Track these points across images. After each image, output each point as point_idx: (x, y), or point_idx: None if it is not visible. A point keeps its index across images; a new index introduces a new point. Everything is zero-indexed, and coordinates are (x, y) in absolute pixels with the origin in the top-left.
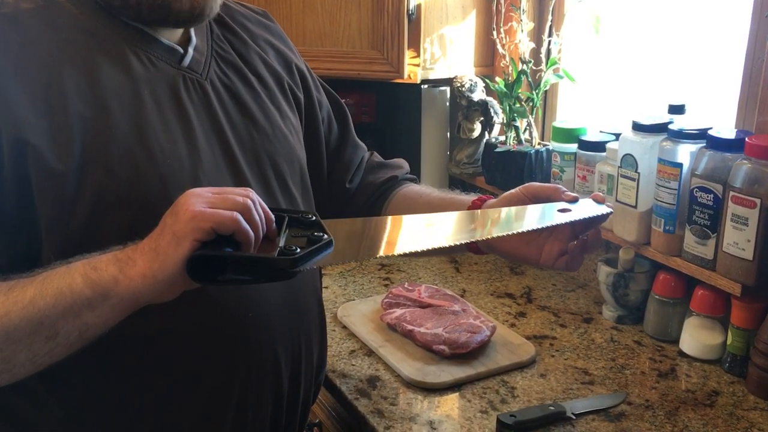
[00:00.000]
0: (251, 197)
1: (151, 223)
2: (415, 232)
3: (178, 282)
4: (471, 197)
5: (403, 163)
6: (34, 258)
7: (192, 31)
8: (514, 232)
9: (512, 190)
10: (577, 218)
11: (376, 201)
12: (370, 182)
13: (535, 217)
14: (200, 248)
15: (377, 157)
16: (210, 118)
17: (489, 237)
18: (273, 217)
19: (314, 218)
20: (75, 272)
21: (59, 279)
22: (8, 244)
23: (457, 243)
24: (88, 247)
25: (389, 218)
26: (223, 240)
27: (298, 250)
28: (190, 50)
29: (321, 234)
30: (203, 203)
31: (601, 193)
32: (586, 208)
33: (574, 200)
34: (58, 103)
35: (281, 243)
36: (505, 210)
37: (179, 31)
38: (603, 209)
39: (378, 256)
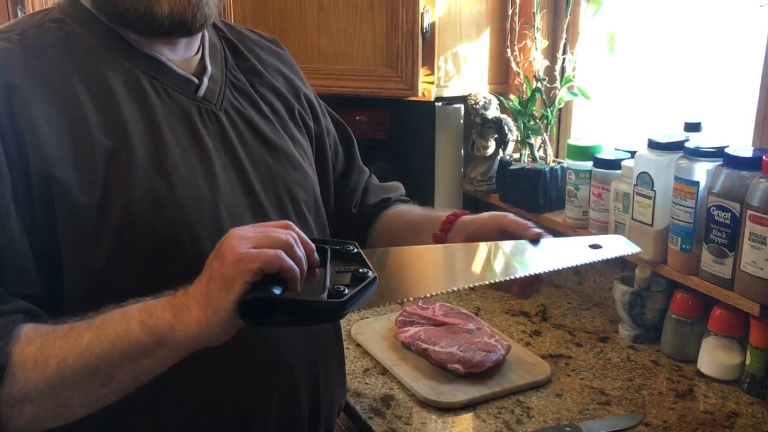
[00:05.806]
0: (292, 233)
1: (171, 252)
2: (455, 269)
3: (231, 325)
4: (446, 213)
5: (399, 186)
6: (59, 290)
7: (207, 61)
8: (550, 269)
9: (484, 215)
10: (608, 257)
11: (367, 223)
12: (363, 204)
13: (566, 255)
14: (250, 290)
15: (374, 180)
16: (226, 147)
17: (530, 274)
18: (314, 247)
19: (355, 250)
20: (131, 318)
21: (116, 325)
22: (42, 275)
23: (499, 280)
24: (111, 277)
25: (428, 249)
26: (270, 278)
27: (346, 290)
28: (205, 80)
29: (365, 270)
30: (247, 244)
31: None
32: (616, 247)
33: (538, 237)
34: (82, 135)
35: (327, 279)
36: (538, 248)
37: (194, 61)
38: (633, 248)
39: (422, 296)
